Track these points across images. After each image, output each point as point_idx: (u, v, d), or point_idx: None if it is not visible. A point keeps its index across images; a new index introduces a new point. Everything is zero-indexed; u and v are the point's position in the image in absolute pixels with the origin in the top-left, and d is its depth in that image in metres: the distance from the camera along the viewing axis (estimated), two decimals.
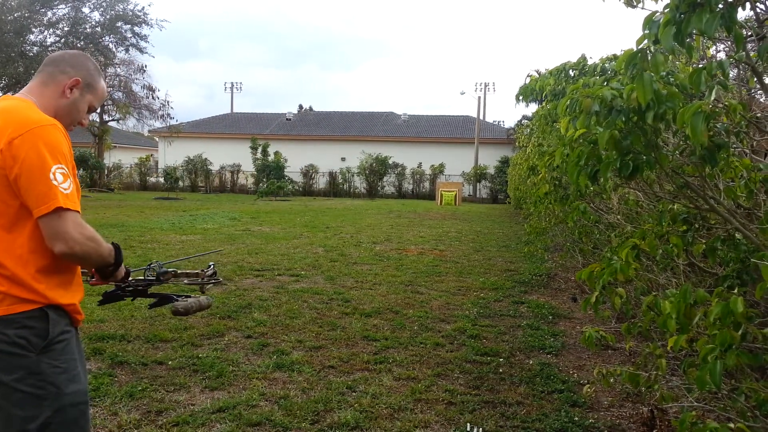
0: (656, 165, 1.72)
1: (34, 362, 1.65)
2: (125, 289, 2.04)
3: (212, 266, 2.27)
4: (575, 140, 1.83)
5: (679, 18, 1.27)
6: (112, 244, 1.84)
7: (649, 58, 1.38)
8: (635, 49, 1.43)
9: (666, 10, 1.29)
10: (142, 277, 2.10)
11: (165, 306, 2.10)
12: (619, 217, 3.69)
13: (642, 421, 3.22)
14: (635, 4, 2.03)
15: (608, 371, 1.92)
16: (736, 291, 1.75)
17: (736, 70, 3.29)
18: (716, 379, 1.24)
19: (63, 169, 1.66)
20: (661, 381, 1.95)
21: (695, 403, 2.34)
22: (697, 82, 1.37)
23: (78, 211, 1.67)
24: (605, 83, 1.77)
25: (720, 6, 1.22)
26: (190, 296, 2.07)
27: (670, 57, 1.53)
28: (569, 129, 1.93)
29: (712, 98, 1.34)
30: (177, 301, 2.03)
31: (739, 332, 1.41)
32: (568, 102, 1.71)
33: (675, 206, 2.14)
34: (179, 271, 2.17)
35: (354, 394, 3.76)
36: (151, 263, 2.12)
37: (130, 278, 2.03)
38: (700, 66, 1.38)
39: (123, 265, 1.91)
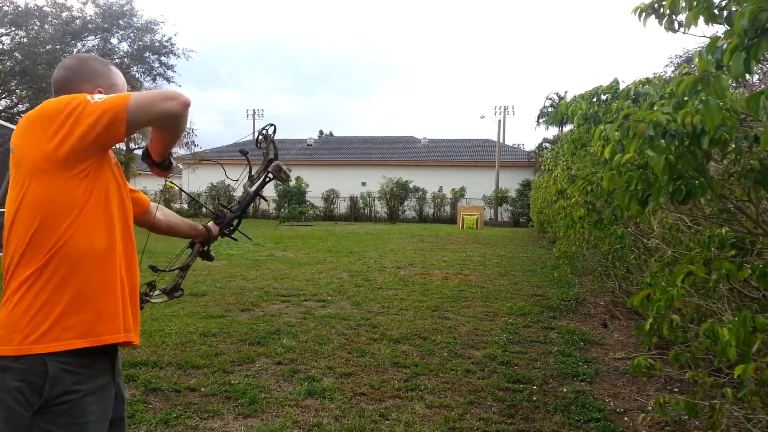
0: (708, 189, 1.70)
1: (27, 424, 1.40)
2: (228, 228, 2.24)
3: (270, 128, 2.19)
4: (623, 165, 1.82)
5: (748, 43, 1.27)
6: None
7: (712, 83, 1.37)
8: (697, 74, 1.42)
9: (734, 36, 1.28)
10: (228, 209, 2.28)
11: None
12: (658, 241, 3.64)
13: None
14: (677, 28, 2.03)
15: (665, 400, 1.87)
16: None
17: None
18: None
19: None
20: (725, 410, 1.90)
21: None
22: (755, 107, 1.36)
23: None
24: (652, 107, 1.76)
25: None
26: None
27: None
28: (615, 154, 1.92)
29: None
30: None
31: None
32: (618, 127, 1.70)
33: (723, 230, 2.10)
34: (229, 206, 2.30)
35: (387, 422, 3.71)
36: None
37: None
38: (760, 90, 1.37)
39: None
